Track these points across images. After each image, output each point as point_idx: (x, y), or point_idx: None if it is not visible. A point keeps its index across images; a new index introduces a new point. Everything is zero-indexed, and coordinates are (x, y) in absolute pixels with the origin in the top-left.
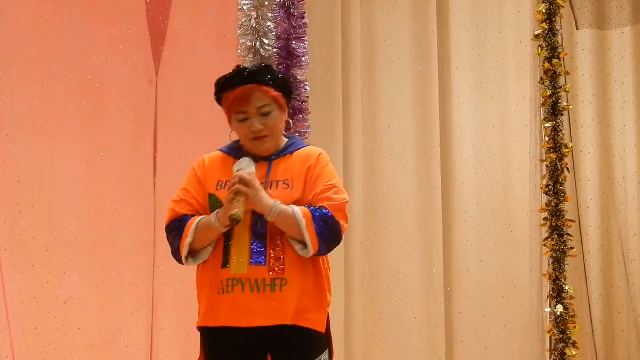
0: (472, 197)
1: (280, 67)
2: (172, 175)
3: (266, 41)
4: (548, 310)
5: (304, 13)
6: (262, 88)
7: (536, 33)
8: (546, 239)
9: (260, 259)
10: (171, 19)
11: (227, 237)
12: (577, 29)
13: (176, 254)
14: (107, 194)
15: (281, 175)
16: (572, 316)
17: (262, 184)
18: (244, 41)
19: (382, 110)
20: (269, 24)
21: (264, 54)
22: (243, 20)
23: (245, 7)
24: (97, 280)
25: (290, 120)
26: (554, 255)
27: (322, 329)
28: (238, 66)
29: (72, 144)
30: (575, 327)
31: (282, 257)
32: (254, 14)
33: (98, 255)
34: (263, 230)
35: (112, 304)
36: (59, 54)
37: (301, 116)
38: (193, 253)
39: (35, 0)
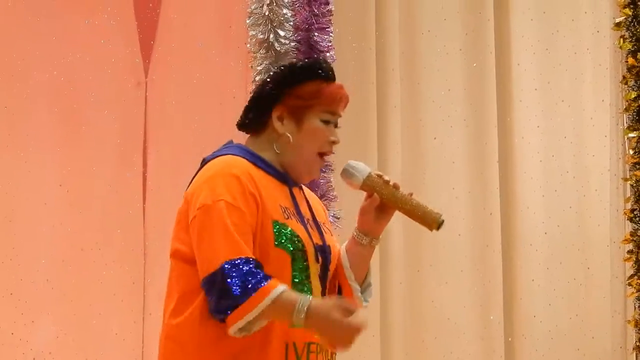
0: (539, 225)
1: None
2: (166, 199)
3: (282, 33)
4: None
5: None
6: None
7: (617, 21)
8: (631, 276)
9: None
10: (164, 6)
11: (300, 281)
12: None
13: (224, 310)
14: (85, 224)
15: (317, 214)
16: None
17: (308, 219)
18: (254, 33)
19: (425, 117)
20: (285, 11)
21: (279, 48)
22: (253, 7)
23: None
24: (74, 331)
25: None
26: None
27: None
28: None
29: (42, 162)
30: None
31: None
32: None
33: (75, 300)
34: (324, 279)
35: None
36: (25, 49)
37: None
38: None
39: None
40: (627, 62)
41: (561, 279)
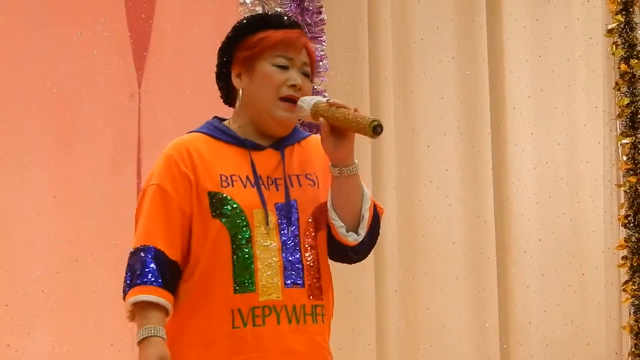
0: (534, 232)
1: None
2: None
3: None
4: None
5: (321, 7)
6: (309, 44)
7: (610, 27)
8: (626, 282)
9: (298, 279)
10: (156, 16)
11: (238, 246)
12: None
13: (123, 293)
14: (80, 235)
15: (298, 167)
16: None
17: (277, 179)
18: None
19: (419, 126)
20: None
21: None
22: (246, 16)
23: (248, 0)
24: (70, 342)
25: None
26: (636, 302)
27: None
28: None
29: (35, 174)
30: None
31: (318, 274)
32: (259, 8)
33: (70, 311)
34: (295, 236)
35: None
36: (18, 61)
37: (319, 134)
38: None
39: None
40: (619, 68)
41: (556, 285)
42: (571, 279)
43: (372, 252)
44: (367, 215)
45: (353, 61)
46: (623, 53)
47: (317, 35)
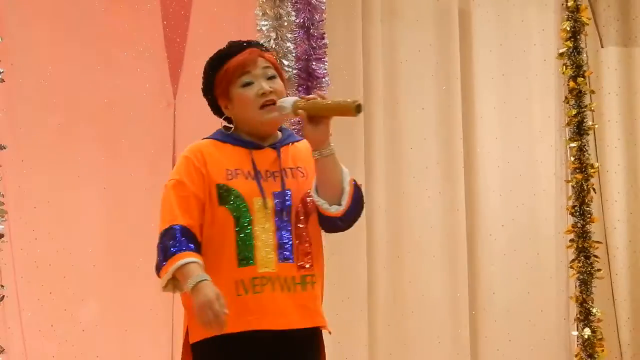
0: (497, 219)
1: (300, 88)
2: None
3: (286, 62)
4: (575, 333)
5: (324, 33)
6: (264, 53)
7: (560, 51)
8: (572, 260)
9: (289, 256)
10: (189, 40)
11: (241, 228)
12: (602, 47)
13: (156, 270)
14: (125, 220)
15: (292, 162)
16: (600, 339)
17: (275, 172)
18: None
19: (404, 131)
20: (288, 44)
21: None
22: (262, 41)
23: (264, 28)
24: (116, 307)
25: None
26: (581, 277)
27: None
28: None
29: (89, 169)
30: (603, 350)
31: (309, 250)
32: (273, 34)
33: (116, 282)
34: (287, 219)
35: (132, 331)
36: (75, 77)
37: None
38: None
39: (48, 23)
40: (568, 85)
41: (515, 263)
42: (528, 258)
43: (365, 234)
44: (347, 188)
45: (350, 78)
46: (571, 72)
47: (320, 56)
